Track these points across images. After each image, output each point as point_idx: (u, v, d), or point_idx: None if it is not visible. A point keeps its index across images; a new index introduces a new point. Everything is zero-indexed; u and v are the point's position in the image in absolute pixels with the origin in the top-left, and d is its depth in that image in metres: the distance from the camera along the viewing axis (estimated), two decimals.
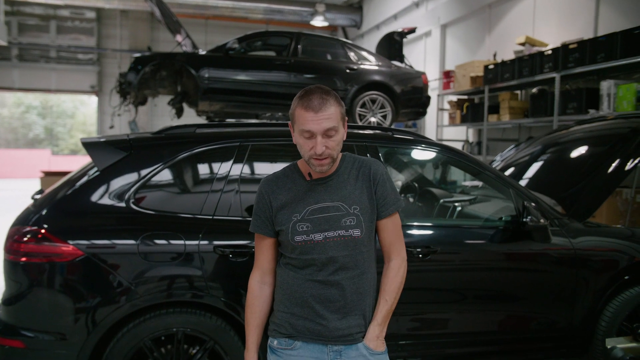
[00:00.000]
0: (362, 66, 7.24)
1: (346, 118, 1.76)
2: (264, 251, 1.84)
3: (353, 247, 1.71)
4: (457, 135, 9.58)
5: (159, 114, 14.24)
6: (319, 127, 1.64)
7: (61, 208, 2.59)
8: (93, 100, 17.17)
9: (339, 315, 1.72)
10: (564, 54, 6.17)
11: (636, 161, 3.50)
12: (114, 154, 2.67)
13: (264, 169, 2.97)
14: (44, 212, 2.55)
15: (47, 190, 2.81)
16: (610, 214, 5.68)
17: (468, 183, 4.59)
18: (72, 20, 15.74)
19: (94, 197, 2.60)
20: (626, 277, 3.19)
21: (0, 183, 17.35)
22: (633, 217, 5.56)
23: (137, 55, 7.11)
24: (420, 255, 2.75)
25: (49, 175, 7.37)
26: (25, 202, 3.37)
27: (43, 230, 2.47)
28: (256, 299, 1.85)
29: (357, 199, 1.74)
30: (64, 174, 7.35)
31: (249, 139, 2.83)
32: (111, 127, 7.79)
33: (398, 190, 3.88)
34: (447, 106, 9.65)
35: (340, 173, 1.77)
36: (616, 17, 6.34)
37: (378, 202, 1.77)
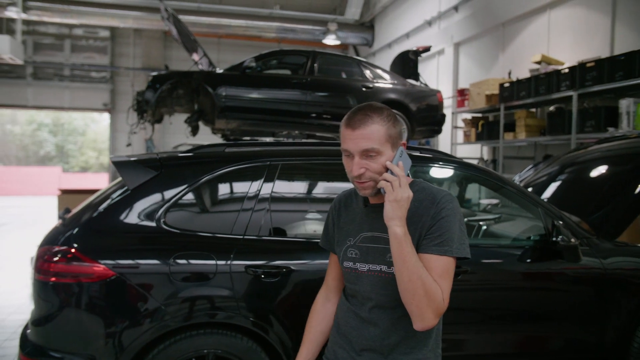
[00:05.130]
0: (377, 84, 7.27)
1: (402, 141, 1.55)
2: (330, 268, 1.77)
3: (394, 287, 1.46)
4: (472, 153, 9.56)
5: (172, 132, 14.34)
6: (356, 146, 1.48)
7: (91, 227, 2.59)
8: (104, 117, 17.35)
9: (379, 355, 1.55)
10: (581, 73, 6.15)
11: None
12: (145, 173, 2.68)
13: (294, 188, 2.97)
14: (74, 232, 2.54)
15: (75, 209, 2.81)
16: (632, 233, 5.62)
17: (486, 201, 4.55)
18: (87, 39, 15.97)
19: (125, 217, 2.59)
20: None
21: (11, 200, 17.45)
22: None
23: (155, 73, 7.18)
24: None
25: (67, 193, 7.40)
26: (38, 219, 3.37)
27: (73, 250, 2.46)
28: (315, 313, 1.79)
29: (410, 234, 1.46)
30: (82, 192, 7.39)
31: (279, 158, 2.83)
32: (128, 145, 7.84)
33: None
34: (461, 124, 9.65)
35: None
36: (633, 36, 6.34)
37: (426, 235, 1.49)
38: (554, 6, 7.71)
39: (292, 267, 2.57)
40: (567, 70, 6.41)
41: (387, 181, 1.44)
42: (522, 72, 7.91)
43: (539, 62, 7.20)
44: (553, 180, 4.38)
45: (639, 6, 6.29)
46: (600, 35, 6.85)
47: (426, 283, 1.39)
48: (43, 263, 2.47)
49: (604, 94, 6.31)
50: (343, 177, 3.17)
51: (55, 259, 2.45)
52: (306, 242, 2.74)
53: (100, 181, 18.72)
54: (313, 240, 2.76)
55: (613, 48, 6.61)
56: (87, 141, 29.41)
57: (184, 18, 9.84)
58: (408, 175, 1.57)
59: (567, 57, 7.29)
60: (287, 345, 2.56)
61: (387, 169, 1.47)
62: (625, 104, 5.65)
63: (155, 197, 2.63)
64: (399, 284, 1.42)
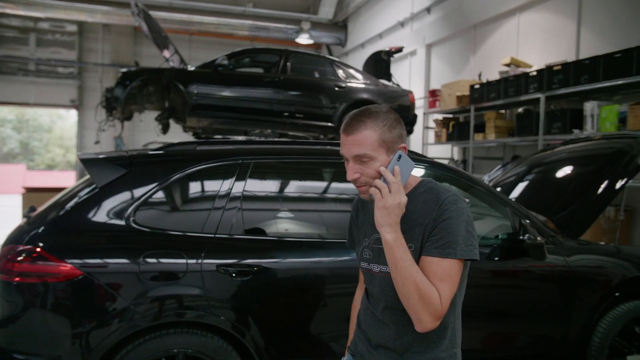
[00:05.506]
0: (350, 84, 7.30)
1: (401, 145, 1.51)
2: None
3: None
4: (442, 154, 9.68)
5: (142, 129, 14.10)
6: (348, 151, 1.49)
7: (58, 226, 2.54)
8: (71, 114, 16.94)
9: (393, 354, 1.57)
10: (548, 75, 6.30)
11: (624, 181, 3.58)
12: (114, 170, 2.64)
13: (266, 186, 2.97)
14: (39, 230, 2.49)
15: (41, 208, 2.75)
16: (594, 232, 5.80)
17: None
18: (53, 33, 15.53)
19: (93, 215, 2.55)
20: (617, 294, 3.26)
21: None
22: (614, 234, 5.68)
23: (125, 70, 7.06)
24: None
25: (31, 192, 7.21)
26: (1, 218, 3.29)
27: (38, 249, 2.41)
28: (355, 310, 1.82)
29: (415, 236, 1.48)
30: (48, 190, 7.22)
31: (251, 156, 2.82)
32: (97, 142, 7.69)
33: None
34: (432, 124, 9.76)
35: (409, 202, 1.51)
36: (596, 41, 6.52)
37: (429, 237, 1.47)
38: (524, 10, 7.87)
39: (264, 266, 2.57)
40: (535, 73, 6.55)
41: (378, 188, 1.44)
42: (492, 74, 8.05)
43: (508, 65, 7.34)
44: (521, 180, 4.47)
45: (603, 12, 6.47)
46: (566, 40, 7.02)
47: (420, 287, 1.39)
48: (6, 263, 2.42)
49: (569, 96, 6.46)
50: (315, 176, 3.19)
51: (20, 258, 2.40)
52: (278, 240, 2.74)
53: (67, 179, 18.28)
54: (285, 238, 2.77)
55: (579, 52, 6.79)
56: (53, 138, 28.69)
57: (154, 14, 9.70)
58: (421, 179, 1.58)
59: (536, 60, 7.44)
60: (260, 344, 2.56)
61: (381, 175, 1.46)
62: (589, 106, 5.81)
63: (125, 195, 2.60)
64: (395, 288, 1.44)
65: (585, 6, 6.75)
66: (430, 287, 1.40)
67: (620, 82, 5.39)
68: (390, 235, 1.41)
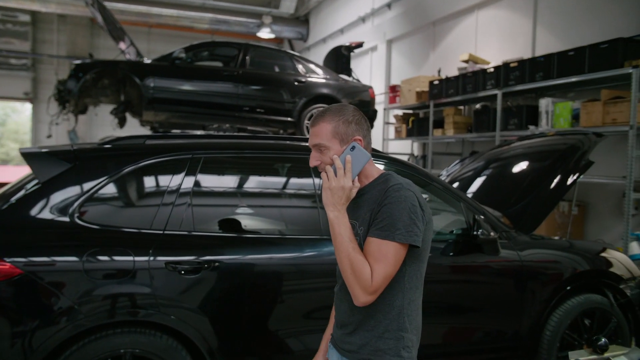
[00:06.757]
0: (310, 79, 7.26)
1: (356, 137, 1.63)
2: None
3: None
4: (403, 149, 9.75)
5: (99, 124, 13.71)
6: (310, 141, 1.68)
7: None
8: (26, 107, 16.35)
9: (348, 330, 1.68)
10: (505, 72, 6.41)
11: (575, 177, 3.66)
12: (57, 165, 2.53)
13: (218, 181, 2.90)
14: None
15: None
16: (548, 226, 5.94)
17: None
18: (4, 23, 14.92)
19: (35, 211, 2.43)
20: (568, 288, 3.32)
21: None
22: (567, 229, 5.83)
23: (78, 62, 6.83)
24: None
25: None
26: None
27: None
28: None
29: (366, 220, 1.62)
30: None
31: (202, 150, 2.75)
32: (49, 136, 7.42)
33: None
34: (392, 120, 9.82)
35: (368, 190, 1.67)
36: (551, 39, 6.67)
37: (373, 220, 1.59)
38: (482, 7, 7.99)
39: (214, 263, 2.51)
40: (492, 70, 6.65)
41: (326, 172, 1.60)
42: (451, 70, 8.14)
43: (466, 61, 7.43)
44: (478, 175, 4.52)
45: (557, 11, 6.62)
46: (523, 37, 7.15)
47: (353, 262, 1.52)
48: None
49: (525, 93, 6.60)
50: (268, 171, 3.14)
51: None
52: (229, 237, 2.68)
53: (22, 174, 17.64)
54: (237, 235, 2.71)
55: (534, 49, 6.93)
56: (7, 132, 27.65)
57: (111, 5, 9.45)
58: (383, 171, 1.71)
59: (493, 56, 7.57)
60: (212, 343, 2.49)
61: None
62: (544, 103, 5.93)
63: (69, 191, 2.49)
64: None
65: (540, 5, 6.89)
66: (362, 262, 1.52)
67: (573, 79, 5.53)
68: (333, 213, 1.57)
